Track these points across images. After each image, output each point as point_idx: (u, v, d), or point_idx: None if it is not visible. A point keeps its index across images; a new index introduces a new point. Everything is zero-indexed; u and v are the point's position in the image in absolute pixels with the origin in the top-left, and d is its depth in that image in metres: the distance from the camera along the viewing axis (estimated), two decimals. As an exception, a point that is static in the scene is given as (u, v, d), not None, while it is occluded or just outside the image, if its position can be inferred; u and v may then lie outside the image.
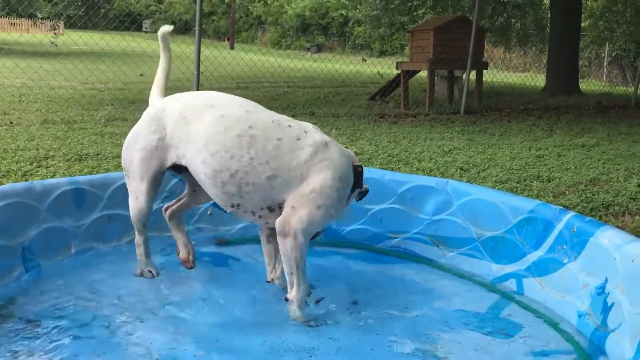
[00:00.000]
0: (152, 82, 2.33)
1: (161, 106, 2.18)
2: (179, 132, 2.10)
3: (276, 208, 2.03)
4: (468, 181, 3.92)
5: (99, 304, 2.05)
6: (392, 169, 4.21)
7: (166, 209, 2.40)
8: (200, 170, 2.05)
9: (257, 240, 2.35)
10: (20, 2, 14.73)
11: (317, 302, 2.11)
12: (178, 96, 2.21)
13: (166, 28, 2.32)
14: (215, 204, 2.82)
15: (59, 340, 1.79)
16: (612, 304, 1.92)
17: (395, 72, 9.49)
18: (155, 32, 2.41)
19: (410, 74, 9.05)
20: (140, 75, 9.80)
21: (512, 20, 15.88)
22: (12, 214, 2.24)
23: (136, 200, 2.21)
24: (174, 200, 2.42)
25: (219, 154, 2.00)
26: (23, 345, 1.75)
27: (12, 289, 2.10)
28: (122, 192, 2.58)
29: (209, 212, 2.81)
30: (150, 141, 2.13)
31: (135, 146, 2.16)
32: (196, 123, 2.06)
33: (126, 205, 2.59)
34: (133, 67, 9.41)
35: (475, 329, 2.03)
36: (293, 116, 2.46)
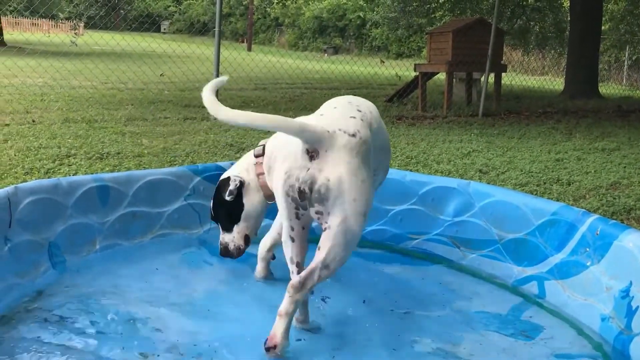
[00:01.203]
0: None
1: (360, 126, 1.79)
2: (376, 145, 1.89)
3: None
4: (487, 184, 3.91)
5: (124, 298, 2.07)
6: (411, 171, 4.20)
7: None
8: (379, 180, 2.08)
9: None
10: (43, 3, 14.95)
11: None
12: (354, 110, 1.88)
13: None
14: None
15: (84, 333, 1.82)
16: (637, 307, 1.90)
17: (413, 74, 9.48)
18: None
19: (428, 76, 9.03)
20: (160, 75, 9.88)
21: (531, 23, 15.78)
22: (40, 210, 2.27)
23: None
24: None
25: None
26: (49, 338, 1.78)
27: (39, 283, 2.14)
28: (146, 190, 2.62)
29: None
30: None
31: (368, 181, 1.75)
32: (381, 134, 1.99)
33: (150, 202, 2.62)
34: (153, 68, 9.49)
35: (497, 330, 2.02)
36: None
